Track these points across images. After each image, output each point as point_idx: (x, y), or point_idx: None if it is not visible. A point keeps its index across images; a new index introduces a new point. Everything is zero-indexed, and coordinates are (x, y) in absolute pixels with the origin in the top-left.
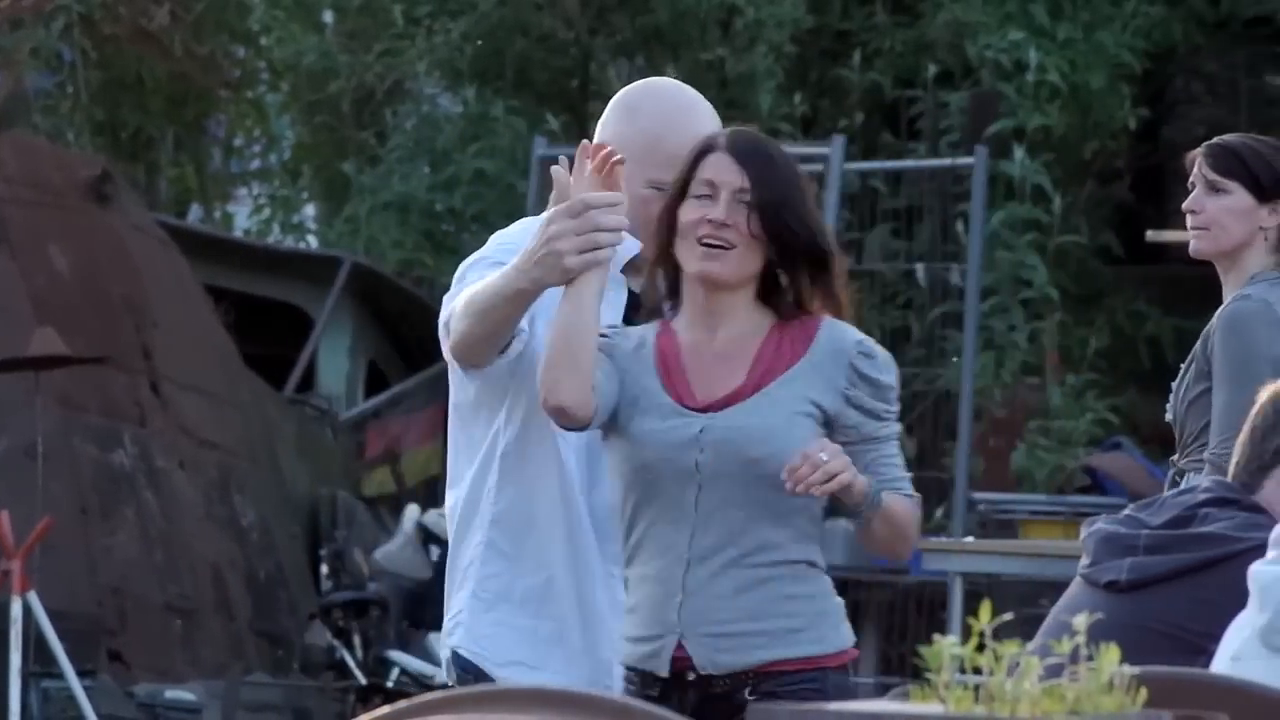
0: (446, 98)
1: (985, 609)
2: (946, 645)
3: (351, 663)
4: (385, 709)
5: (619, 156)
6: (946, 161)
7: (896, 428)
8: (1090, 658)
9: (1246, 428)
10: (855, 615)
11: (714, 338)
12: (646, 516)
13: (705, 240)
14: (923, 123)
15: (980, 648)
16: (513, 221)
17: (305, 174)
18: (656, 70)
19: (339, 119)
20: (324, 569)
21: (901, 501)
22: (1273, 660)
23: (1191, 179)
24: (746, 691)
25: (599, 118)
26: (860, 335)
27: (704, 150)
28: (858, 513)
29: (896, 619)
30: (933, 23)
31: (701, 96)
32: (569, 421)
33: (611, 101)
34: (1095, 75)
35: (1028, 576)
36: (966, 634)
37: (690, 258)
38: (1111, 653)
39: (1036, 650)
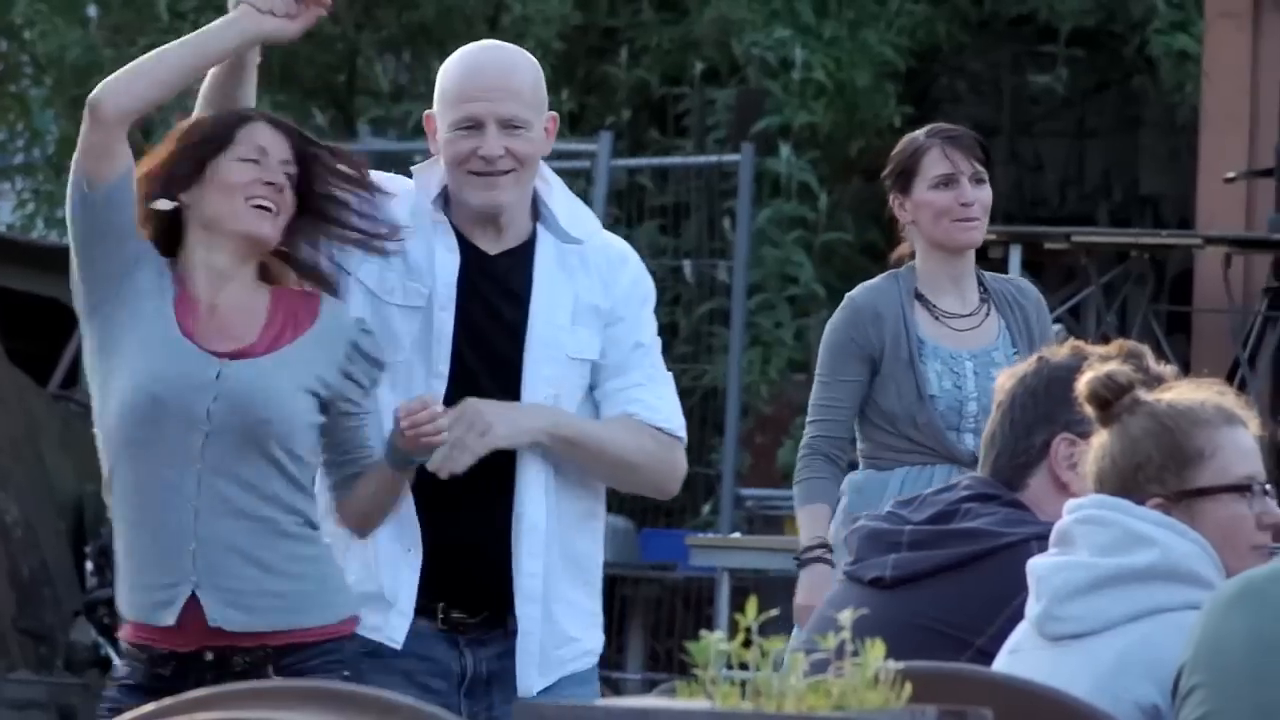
0: None
1: (752, 605)
2: (713, 641)
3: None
4: (151, 705)
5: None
6: (713, 158)
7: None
8: (856, 653)
9: (1001, 419)
10: (622, 611)
11: (220, 292)
12: (142, 457)
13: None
14: (690, 120)
15: (747, 643)
16: None
17: (69, 169)
18: (424, 66)
19: None
20: (89, 566)
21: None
22: (1049, 650)
23: (947, 172)
24: (270, 670)
25: (366, 113)
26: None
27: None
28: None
29: (664, 615)
30: (699, 20)
31: (499, 46)
32: (95, 117)
33: None
34: (860, 73)
35: (794, 572)
36: (733, 630)
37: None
38: (877, 648)
39: (802, 646)
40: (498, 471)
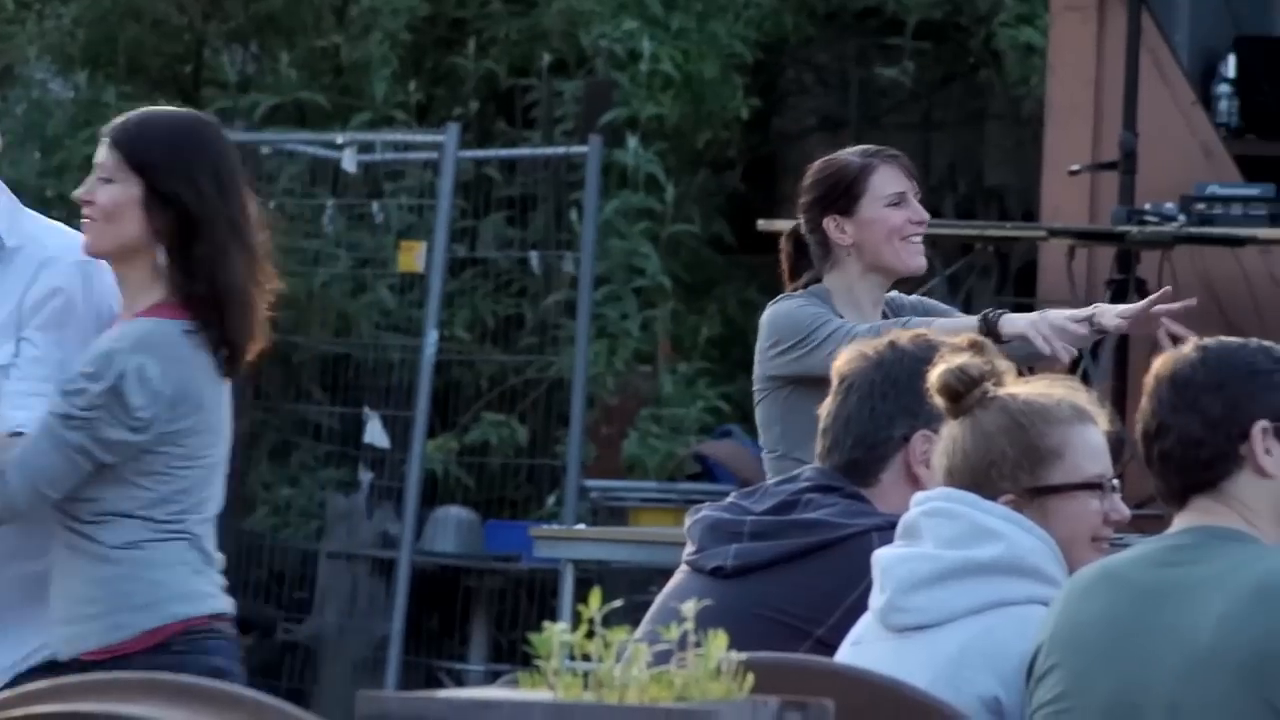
0: (58, 82)
1: (595, 596)
2: (556, 632)
3: None
4: None
5: None
6: (561, 150)
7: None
8: (698, 644)
9: (859, 404)
10: (466, 603)
11: None
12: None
13: None
14: (537, 111)
15: (590, 635)
16: None
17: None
18: (271, 57)
19: None
20: None
21: None
22: (892, 641)
23: (902, 190)
24: None
25: (212, 104)
26: None
27: None
28: None
29: (507, 606)
30: (547, 11)
31: None
32: None
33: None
34: (708, 65)
35: (638, 563)
36: (577, 621)
37: None
38: (719, 639)
39: (645, 637)
40: None
